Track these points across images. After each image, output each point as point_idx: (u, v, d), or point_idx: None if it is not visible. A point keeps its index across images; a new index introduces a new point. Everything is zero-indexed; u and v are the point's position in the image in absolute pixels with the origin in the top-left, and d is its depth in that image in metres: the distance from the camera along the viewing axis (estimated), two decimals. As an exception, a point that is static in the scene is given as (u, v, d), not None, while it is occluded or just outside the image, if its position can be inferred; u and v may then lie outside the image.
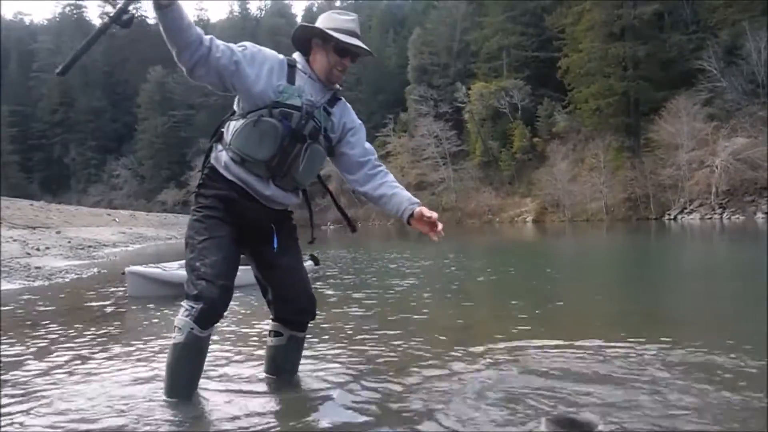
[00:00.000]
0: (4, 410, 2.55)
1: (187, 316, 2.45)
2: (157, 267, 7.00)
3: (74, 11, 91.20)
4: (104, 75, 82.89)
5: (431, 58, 57.89)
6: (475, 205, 48.54)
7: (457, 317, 4.93)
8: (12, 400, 2.70)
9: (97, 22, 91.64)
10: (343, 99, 2.74)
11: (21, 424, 2.39)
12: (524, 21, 51.26)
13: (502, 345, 3.62)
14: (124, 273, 6.82)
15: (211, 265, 2.45)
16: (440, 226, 2.50)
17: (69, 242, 16.87)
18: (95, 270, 10.73)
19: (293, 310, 2.76)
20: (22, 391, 2.85)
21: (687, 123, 35.40)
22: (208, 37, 2.39)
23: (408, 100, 57.79)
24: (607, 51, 42.01)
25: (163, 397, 2.58)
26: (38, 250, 13.85)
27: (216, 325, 2.55)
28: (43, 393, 2.82)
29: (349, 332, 4.24)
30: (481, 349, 3.52)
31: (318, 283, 7.69)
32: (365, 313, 5.16)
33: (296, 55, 2.64)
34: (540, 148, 46.71)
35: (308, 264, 9.26)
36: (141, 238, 24.23)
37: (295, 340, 2.83)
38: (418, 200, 2.59)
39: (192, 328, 2.44)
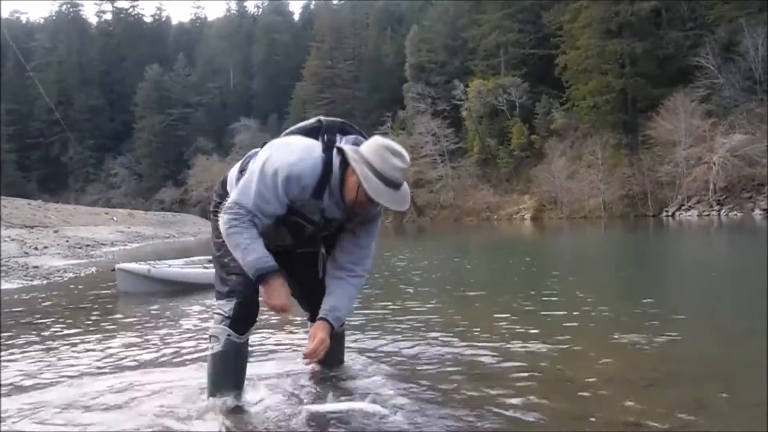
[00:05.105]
0: (4, 408, 2.54)
1: (221, 322, 2.38)
2: (146, 264, 7.26)
3: (70, 10, 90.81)
4: (101, 74, 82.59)
5: (429, 56, 57.77)
6: (473, 203, 48.49)
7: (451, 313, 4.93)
8: (11, 398, 2.69)
9: (93, 20, 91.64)
10: None
11: (20, 421, 2.39)
12: (521, 18, 51.17)
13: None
14: (113, 270, 7.16)
15: None
16: (313, 356, 2.38)
17: (67, 241, 16.85)
18: (93, 269, 10.72)
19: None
20: (21, 389, 2.85)
21: (684, 120, 35.39)
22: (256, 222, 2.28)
23: (406, 97, 57.68)
24: (604, 48, 41.98)
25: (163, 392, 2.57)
26: (36, 249, 13.83)
27: (252, 329, 2.47)
28: (42, 391, 2.81)
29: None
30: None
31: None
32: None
33: (336, 164, 2.32)
34: (538, 146, 46.66)
35: None
36: (139, 237, 24.22)
37: (335, 336, 2.65)
38: (338, 317, 2.48)
39: (229, 335, 2.37)
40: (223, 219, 2.30)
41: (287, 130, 2.56)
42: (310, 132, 2.44)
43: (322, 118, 2.49)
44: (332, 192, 2.33)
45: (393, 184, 2.25)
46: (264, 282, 2.31)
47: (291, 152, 2.29)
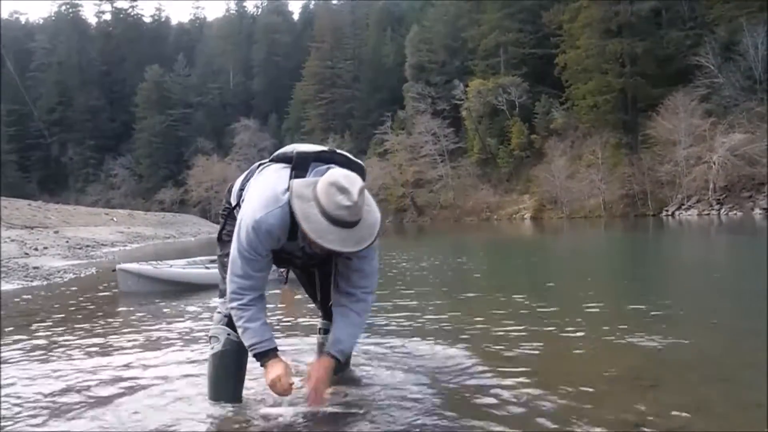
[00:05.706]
0: (4, 408, 2.55)
1: (220, 322, 2.47)
2: (148, 265, 7.35)
3: (70, 10, 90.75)
4: (102, 74, 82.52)
5: (429, 56, 57.78)
6: (473, 203, 48.51)
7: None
8: (11, 398, 2.70)
9: (92, 20, 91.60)
10: None
11: (20, 421, 2.39)
12: (521, 18, 51.17)
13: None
14: (114, 270, 7.23)
15: None
16: (314, 396, 2.29)
17: (67, 242, 16.85)
18: (94, 270, 10.72)
19: None
20: (20, 388, 2.85)
21: (684, 119, 35.40)
22: (255, 296, 2.31)
23: (406, 97, 57.69)
24: (604, 47, 42.00)
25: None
26: (36, 250, 13.84)
27: None
28: (41, 390, 2.82)
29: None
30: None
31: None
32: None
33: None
34: (538, 145, 46.66)
35: None
36: (139, 238, 24.21)
37: None
38: (341, 349, 2.36)
39: (229, 334, 2.43)
40: (228, 289, 2.33)
41: (270, 157, 2.52)
42: (290, 160, 2.37)
43: (298, 148, 2.39)
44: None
45: (341, 223, 2.08)
46: (261, 365, 2.32)
47: (258, 207, 2.24)
